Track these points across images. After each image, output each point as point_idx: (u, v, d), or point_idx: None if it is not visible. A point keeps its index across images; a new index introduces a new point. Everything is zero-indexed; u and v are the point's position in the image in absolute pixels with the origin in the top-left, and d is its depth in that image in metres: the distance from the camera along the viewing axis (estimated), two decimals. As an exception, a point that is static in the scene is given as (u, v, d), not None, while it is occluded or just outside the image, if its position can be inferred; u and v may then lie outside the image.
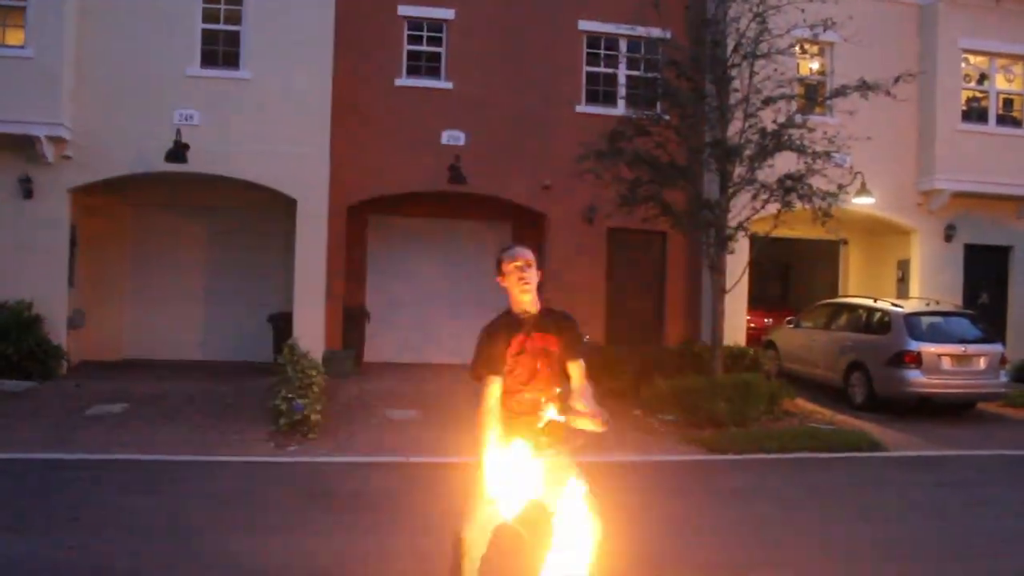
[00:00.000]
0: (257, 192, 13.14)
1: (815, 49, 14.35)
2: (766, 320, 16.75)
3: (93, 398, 10.71)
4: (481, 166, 13.91)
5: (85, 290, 13.60)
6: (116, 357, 14.16)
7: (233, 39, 13.01)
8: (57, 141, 12.18)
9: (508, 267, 3.81)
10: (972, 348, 11.68)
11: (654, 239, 14.94)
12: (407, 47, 14.41)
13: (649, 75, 13.83)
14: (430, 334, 15.07)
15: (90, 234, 13.66)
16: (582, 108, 14.64)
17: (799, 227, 12.17)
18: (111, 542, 5.50)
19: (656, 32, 11.84)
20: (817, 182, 11.01)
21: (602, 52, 14.96)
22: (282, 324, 13.40)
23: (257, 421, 9.76)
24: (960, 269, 15.55)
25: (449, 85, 14.35)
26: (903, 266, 15.99)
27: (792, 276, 20.04)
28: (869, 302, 12.94)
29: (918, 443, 10.32)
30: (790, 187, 10.99)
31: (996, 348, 11.94)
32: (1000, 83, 15.67)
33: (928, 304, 12.77)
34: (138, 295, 14.43)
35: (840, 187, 11.27)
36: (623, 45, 14.75)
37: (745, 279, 12.20)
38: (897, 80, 11.04)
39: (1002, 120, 15.64)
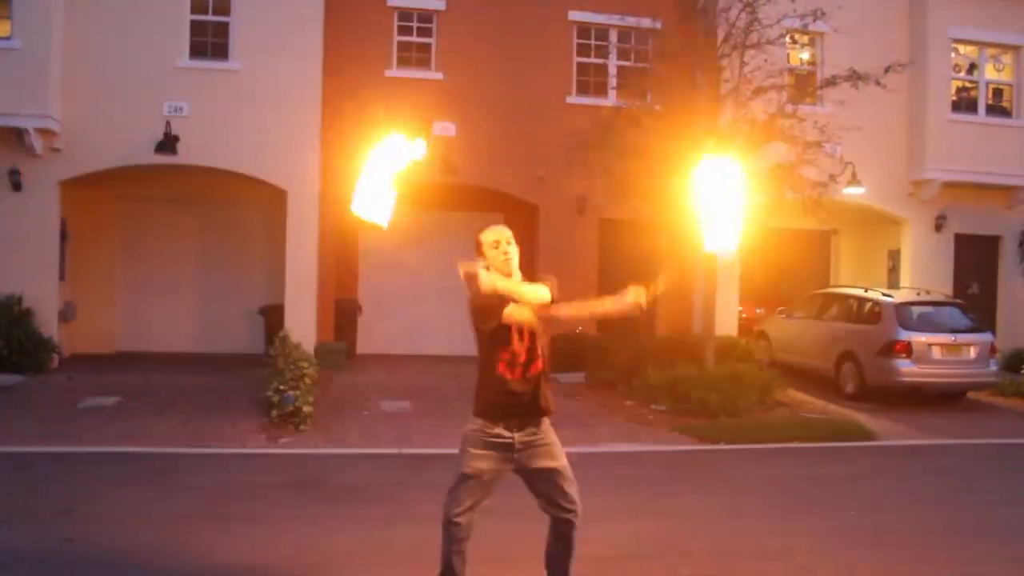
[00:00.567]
0: (248, 183, 13.09)
1: (805, 39, 14.35)
2: (758, 310, 16.78)
3: (85, 391, 10.67)
4: (472, 157, 13.88)
5: (76, 283, 13.53)
6: (108, 350, 14.10)
7: (222, 30, 12.93)
8: (46, 133, 12.09)
9: (490, 243, 3.84)
10: (962, 337, 11.76)
11: (646, 230, 14.92)
12: (397, 38, 14.32)
13: (640, 65, 13.80)
14: (422, 326, 15.04)
15: (80, 227, 13.56)
16: (573, 99, 14.60)
17: (790, 217, 12.19)
18: (104, 534, 5.50)
19: (646, 22, 11.83)
20: (808, 172, 11.03)
21: (592, 43, 14.92)
22: (273, 316, 13.40)
23: (250, 413, 9.75)
24: (951, 259, 15.61)
25: (440, 76, 14.31)
26: (894, 256, 16.04)
27: (783, 266, 20.01)
28: (860, 292, 12.98)
29: (909, 432, 10.39)
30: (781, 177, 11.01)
31: (986, 337, 12.03)
32: (990, 73, 15.71)
33: (919, 294, 12.83)
34: (129, 288, 14.36)
35: (831, 177, 11.30)
36: (613, 35, 14.71)
37: (737, 269, 12.23)
38: (887, 70, 11.05)
39: (992, 110, 15.70)
